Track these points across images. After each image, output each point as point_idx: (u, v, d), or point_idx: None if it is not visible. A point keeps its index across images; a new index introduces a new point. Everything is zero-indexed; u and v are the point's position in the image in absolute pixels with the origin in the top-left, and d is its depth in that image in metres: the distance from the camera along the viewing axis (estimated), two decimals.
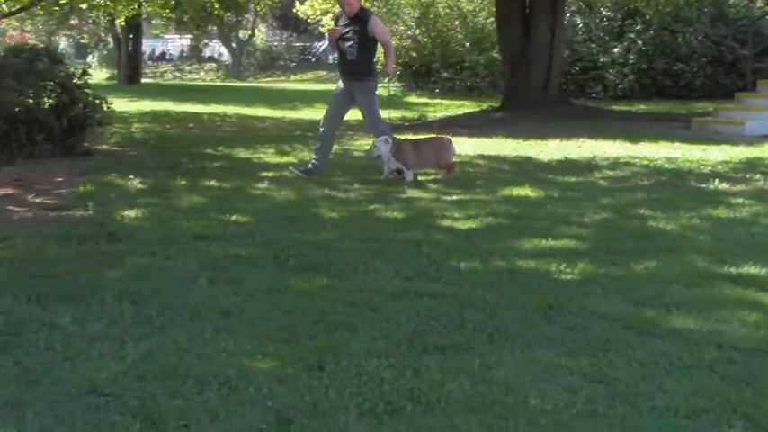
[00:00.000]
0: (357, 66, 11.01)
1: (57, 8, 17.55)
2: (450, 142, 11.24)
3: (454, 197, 9.43)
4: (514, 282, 5.92)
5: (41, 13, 20.18)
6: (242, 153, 13.22)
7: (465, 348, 4.57)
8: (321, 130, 11.33)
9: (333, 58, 56.51)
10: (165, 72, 54.46)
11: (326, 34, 12.98)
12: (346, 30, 10.95)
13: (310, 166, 11.12)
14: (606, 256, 6.64)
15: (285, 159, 12.51)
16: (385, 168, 10.72)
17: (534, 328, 4.94)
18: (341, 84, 11.31)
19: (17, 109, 11.73)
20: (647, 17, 27.65)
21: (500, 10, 21.57)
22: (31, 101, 12.03)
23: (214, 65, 56.53)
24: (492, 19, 27.18)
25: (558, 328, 4.97)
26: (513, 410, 3.79)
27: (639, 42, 27.02)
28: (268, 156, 13.02)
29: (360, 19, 10.99)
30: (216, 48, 58.70)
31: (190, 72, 54.03)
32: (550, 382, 4.15)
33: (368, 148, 10.75)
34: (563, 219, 8.22)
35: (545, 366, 4.35)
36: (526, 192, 9.71)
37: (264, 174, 10.83)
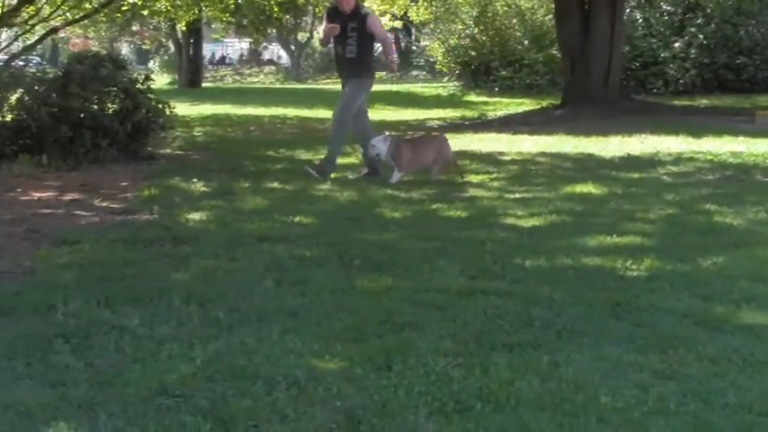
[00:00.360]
0: (357, 63, 10.73)
1: (119, 15, 17.77)
2: (447, 139, 11.10)
3: (517, 195, 9.39)
4: (580, 279, 5.87)
5: (104, 20, 20.44)
6: (303, 155, 13.26)
7: (533, 346, 4.54)
8: (352, 130, 11.09)
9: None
10: (225, 76, 54.94)
11: (322, 31, 12.09)
12: (344, 27, 10.60)
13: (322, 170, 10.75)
14: (673, 252, 6.56)
15: (346, 160, 12.49)
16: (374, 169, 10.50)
17: (602, 325, 4.90)
18: (342, 83, 11.11)
19: (82, 115, 11.89)
20: (708, 11, 27.34)
21: (559, 7, 21.46)
22: (95, 107, 12.19)
23: (273, 68, 56.94)
24: (551, 16, 27.07)
25: (626, 324, 4.92)
26: (583, 408, 3.75)
27: (701, 36, 26.74)
28: None
29: (357, 15, 10.68)
30: (275, 51, 59.13)
31: (249, 75, 54.47)
32: (620, 379, 4.10)
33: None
34: (627, 215, 8.16)
35: (614, 363, 4.30)
36: (589, 188, 9.64)
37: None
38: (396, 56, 11.22)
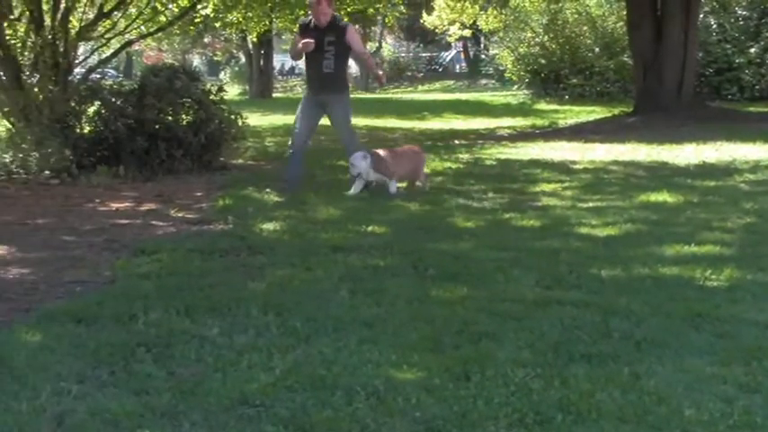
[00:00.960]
0: (335, 78, 10.26)
1: (192, 27, 17.97)
2: (423, 152, 11.01)
3: (590, 204, 9.32)
4: (659, 289, 5.80)
5: (178, 32, 20.67)
6: None
7: (612, 357, 4.50)
8: (292, 147, 10.62)
9: (460, 67, 56.74)
10: (295, 86, 55.21)
11: (292, 47, 11.22)
12: (320, 40, 10.01)
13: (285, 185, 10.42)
14: (753, 262, 6.47)
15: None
16: (357, 184, 10.01)
17: (682, 336, 4.83)
18: (307, 99, 10.48)
19: (157, 126, 12.06)
20: None
21: (631, 13, 21.27)
22: (170, 118, 12.36)
23: None
24: (622, 23, 26.81)
25: (707, 336, 4.86)
26: (666, 421, 3.71)
27: None
28: None
29: (336, 28, 10.16)
30: None
31: None
32: (704, 391, 4.04)
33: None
34: (705, 224, 8.05)
35: (696, 376, 4.25)
36: (664, 197, 9.54)
37: (398, 184, 10.85)
38: (380, 71, 10.78)
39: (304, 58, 10.39)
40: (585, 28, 31.46)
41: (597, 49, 30.64)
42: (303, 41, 10.04)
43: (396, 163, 10.15)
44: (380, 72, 10.70)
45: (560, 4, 32.04)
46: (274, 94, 40.80)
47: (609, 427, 3.64)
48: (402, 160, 10.32)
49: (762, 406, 3.88)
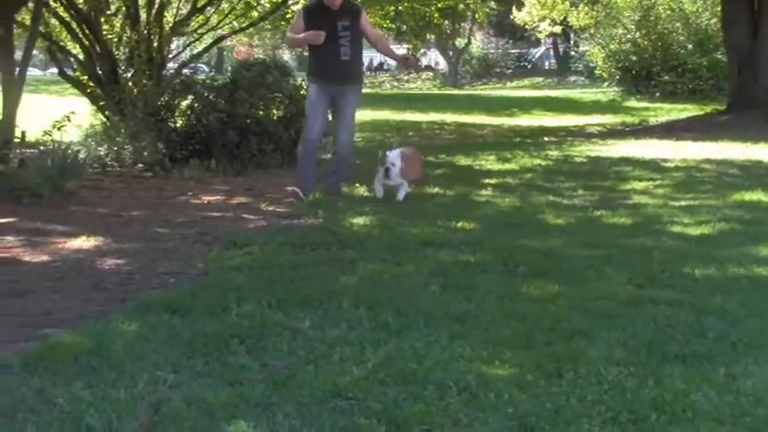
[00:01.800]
0: (353, 66, 9.58)
1: (283, 22, 18.09)
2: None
3: (683, 203, 9.19)
4: (754, 289, 5.70)
5: (269, 27, 20.85)
6: (462, 160, 13.28)
7: (707, 357, 4.43)
8: (305, 145, 9.84)
9: (549, 63, 56.38)
10: (384, 82, 55.41)
11: (291, 30, 10.08)
12: (333, 25, 9.30)
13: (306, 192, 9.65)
14: None
15: (506, 166, 12.49)
16: (378, 186, 9.37)
17: None
18: (318, 91, 9.60)
19: (249, 121, 12.19)
20: None
21: (726, 10, 20.92)
22: (261, 112, 12.49)
23: (431, 73, 57.12)
24: (715, 19, 26.45)
25: None
26: (764, 423, 3.64)
27: None
28: (489, 163, 13.03)
29: (349, 12, 9.44)
30: (433, 57, 59.33)
31: (407, 81, 54.78)
32: None
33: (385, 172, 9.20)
34: None
35: None
36: (759, 196, 9.37)
37: (487, 180, 10.85)
38: (403, 51, 10.33)
39: (308, 45, 9.60)
40: (678, 24, 31.06)
41: (690, 46, 30.24)
42: (314, 33, 9.30)
43: (407, 166, 9.44)
44: (403, 52, 10.46)
45: (653, 0, 31.62)
46: (363, 90, 40.95)
47: (705, 428, 3.59)
48: (415, 164, 9.73)
49: None
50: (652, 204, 9.14)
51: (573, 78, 44.99)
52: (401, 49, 10.81)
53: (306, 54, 10.09)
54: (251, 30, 20.72)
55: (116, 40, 13.90)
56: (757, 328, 4.90)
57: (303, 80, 13.80)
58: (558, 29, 40.49)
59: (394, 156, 9.13)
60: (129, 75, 13.53)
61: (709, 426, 3.62)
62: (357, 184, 10.19)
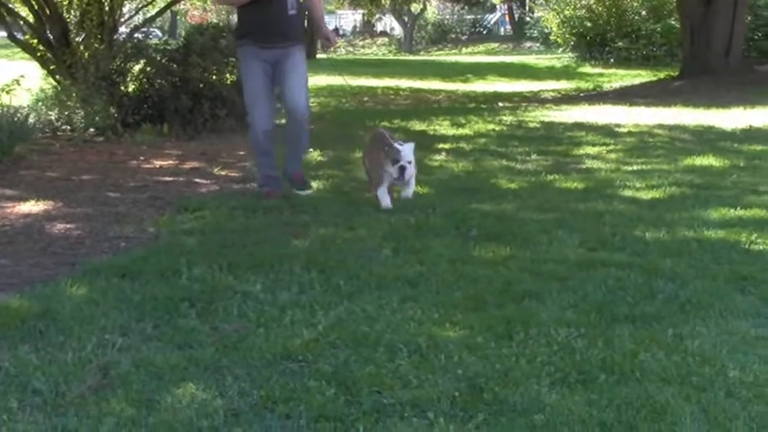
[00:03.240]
0: (299, 22, 7.81)
1: None
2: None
3: (635, 167, 9.24)
4: (704, 252, 5.75)
5: None
6: (417, 125, 13.25)
7: (656, 319, 4.47)
8: (256, 137, 7.83)
9: (504, 30, 56.35)
10: (339, 47, 55.12)
11: None
12: None
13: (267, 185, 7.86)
14: None
15: (460, 131, 12.48)
16: (384, 193, 7.22)
17: (727, 298, 4.79)
18: (255, 59, 7.55)
19: (202, 85, 12.08)
20: None
21: None
22: (214, 77, 12.37)
23: (386, 39, 56.95)
24: None
25: (752, 299, 4.82)
26: (711, 382, 3.68)
27: None
28: (443, 128, 13.00)
29: None
30: (388, 22, 59.14)
31: (362, 47, 54.59)
32: (749, 353, 4.01)
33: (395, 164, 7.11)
34: (751, 188, 7.96)
35: (741, 338, 4.22)
36: (709, 161, 9.44)
37: (441, 145, 10.84)
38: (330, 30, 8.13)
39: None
40: None
41: (644, 12, 30.32)
42: None
43: None
44: (329, 31, 8.40)
45: None
46: (318, 55, 40.71)
47: (652, 388, 3.62)
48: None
49: None
50: (604, 169, 9.17)
51: (528, 44, 44.98)
52: (330, 28, 9.56)
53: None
54: None
55: (67, 2, 13.68)
56: (706, 289, 4.94)
57: None
58: None
59: (408, 151, 7.15)
60: (81, 38, 13.34)
61: (657, 385, 3.65)
62: (311, 149, 10.14)
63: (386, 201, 7.14)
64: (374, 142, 7.55)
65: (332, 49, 8.07)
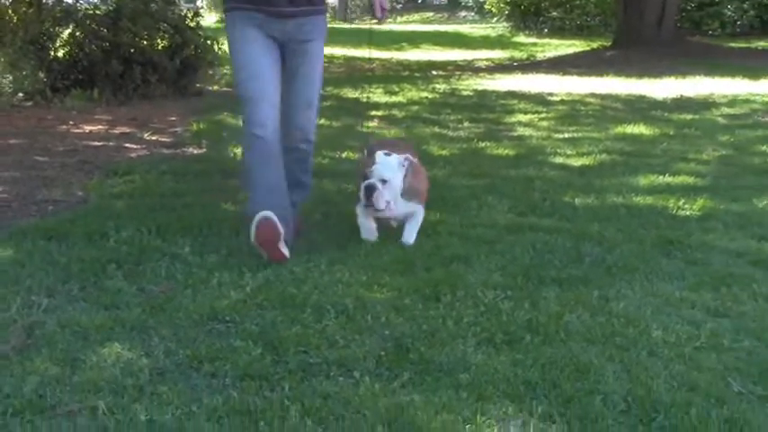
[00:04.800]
0: None
1: None
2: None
3: (566, 135, 9.31)
4: (631, 217, 5.83)
5: None
6: (350, 93, 13.19)
7: (582, 281, 4.52)
8: (258, 130, 4.88)
9: None
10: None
11: None
12: None
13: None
14: (727, 193, 6.50)
15: (393, 99, 12.46)
16: (367, 220, 5.27)
17: (653, 262, 4.86)
18: (252, 29, 4.93)
19: (132, 50, 11.92)
20: None
21: None
22: (145, 42, 12.21)
23: None
24: None
25: (678, 262, 4.89)
26: (634, 342, 3.74)
27: None
28: (376, 95, 12.97)
29: None
30: None
31: None
32: (672, 315, 4.08)
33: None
34: (680, 156, 8.07)
35: (666, 300, 4.28)
36: (640, 129, 9.55)
37: (374, 113, 10.82)
38: None
39: None
40: None
41: None
42: None
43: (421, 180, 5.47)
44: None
45: None
46: None
47: (576, 348, 3.66)
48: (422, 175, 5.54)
49: (729, 330, 3.91)
50: (536, 137, 9.23)
51: (463, 14, 44.96)
52: None
53: None
54: None
55: None
56: (633, 253, 5.01)
57: (188, 11, 13.56)
58: None
59: (386, 165, 5.12)
60: (8, 2, 13.08)
61: (581, 345, 3.69)
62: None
63: (365, 228, 5.22)
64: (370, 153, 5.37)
65: (384, 19, 5.31)
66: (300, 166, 5.28)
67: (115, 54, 11.82)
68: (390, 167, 5.09)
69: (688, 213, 5.95)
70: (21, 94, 11.38)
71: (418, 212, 5.27)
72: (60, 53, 12.36)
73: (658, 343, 3.73)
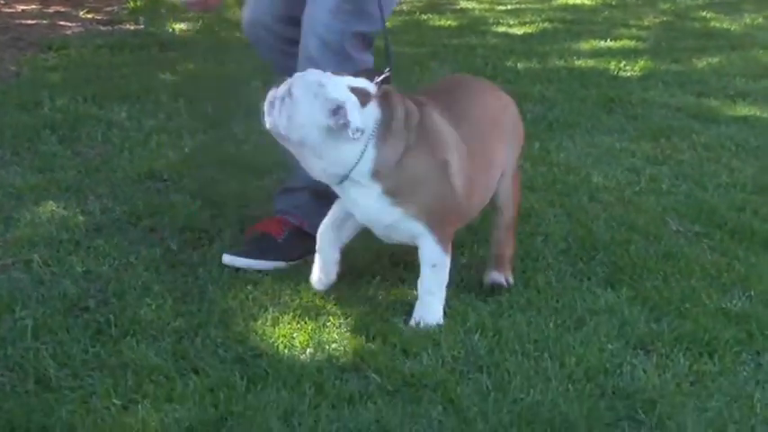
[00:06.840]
0: None
1: None
2: None
3: (509, 6, 9.21)
4: (573, 79, 5.83)
5: None
6: None
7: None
8: None
9: None
10: None
11: None
12: None
13: None
14: (667, 55, 6.54)
15: None
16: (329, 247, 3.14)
17: (594, 118, 4.89)
18: None
19: None
20: None
21: None
22: None
23: None
24: None
25: (618, 117, 4.93)
26: (575, 188, 3.76)
27: None
28: None
29: None
30: None
31: None
32: (612, 164, 4.12)
33: None
34: (621, 22, 8.07)
35: (606, 150, 4.32)
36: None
37: None
38: None
39: None
40: None
41: None
42: None
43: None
44: None
45: None
46: None
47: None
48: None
49: (668, 175, 3.96)
50: (479, 9, 9.14)
51: None
52: None
53: None
54: None
55: None
56: (574, 110, 5.04)
57: None
58: None
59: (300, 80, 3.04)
60: None
61: (522, 192, 3.68)
62: None
63: (317, 281, 3.03)
64: None
65: None
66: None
67: None
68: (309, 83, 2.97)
69: (629, 74, 5.97)
70: None
71: (424, 241, 2.86)
72: None
73: (599, 188, 3.77)
